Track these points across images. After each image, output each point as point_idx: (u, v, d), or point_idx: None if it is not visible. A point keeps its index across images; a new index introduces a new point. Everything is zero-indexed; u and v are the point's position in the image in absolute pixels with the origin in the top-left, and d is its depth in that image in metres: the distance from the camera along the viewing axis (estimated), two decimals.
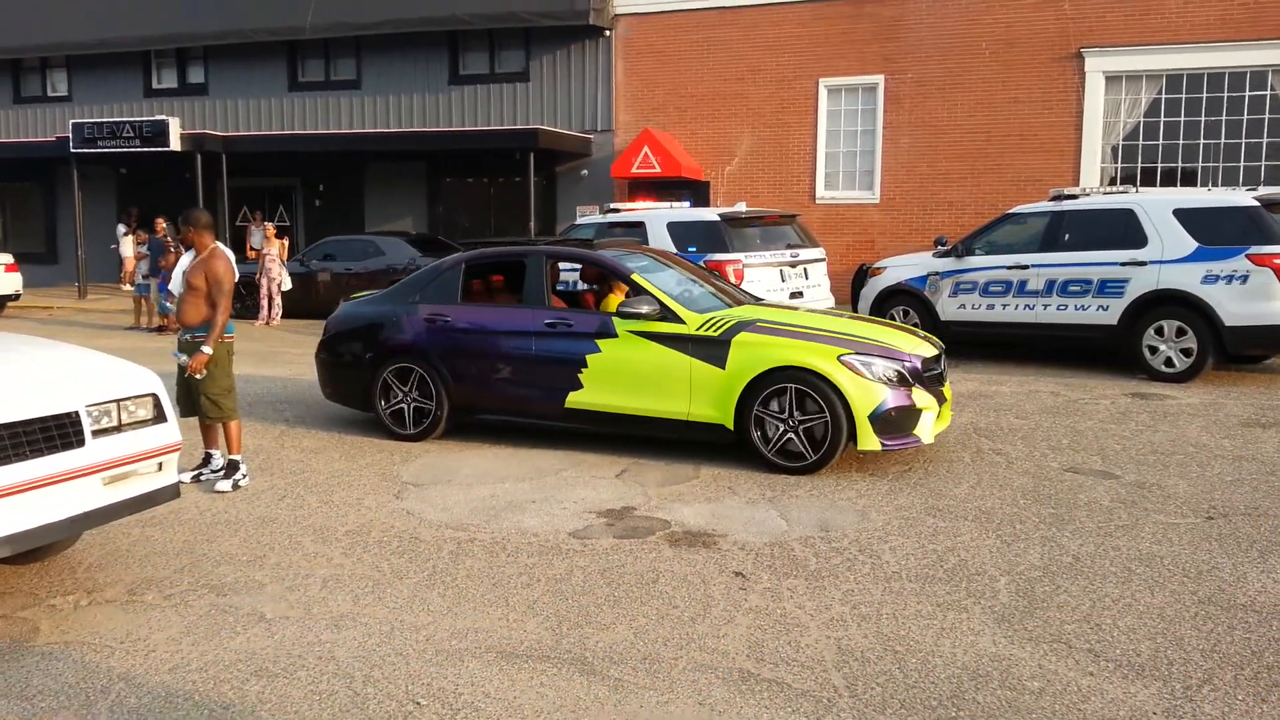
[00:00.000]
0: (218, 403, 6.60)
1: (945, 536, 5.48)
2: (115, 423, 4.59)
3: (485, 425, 7.80)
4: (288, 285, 16.56)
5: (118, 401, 4.62)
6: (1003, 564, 5.05)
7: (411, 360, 7.79)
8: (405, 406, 7.82)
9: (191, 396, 6.67)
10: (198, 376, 6.49)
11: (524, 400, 7.52)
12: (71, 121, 20.35)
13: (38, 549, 4.88)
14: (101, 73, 23.12)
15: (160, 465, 4.80)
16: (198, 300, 6.58)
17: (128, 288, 20.25)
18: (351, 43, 21.07)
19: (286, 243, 17.31)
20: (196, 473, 6.80)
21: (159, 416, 4.82)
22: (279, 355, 12.84)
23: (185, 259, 6.82)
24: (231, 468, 6.67)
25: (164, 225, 15.73)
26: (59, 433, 4.31)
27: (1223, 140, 15.97)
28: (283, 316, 16.63)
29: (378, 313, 8.11)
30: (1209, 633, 4.21)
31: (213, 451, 6.90)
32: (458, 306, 7.84)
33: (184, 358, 6.54)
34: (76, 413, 4.40)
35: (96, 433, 4.47)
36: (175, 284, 6.83)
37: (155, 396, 4.82)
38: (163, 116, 20.14)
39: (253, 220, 21.03)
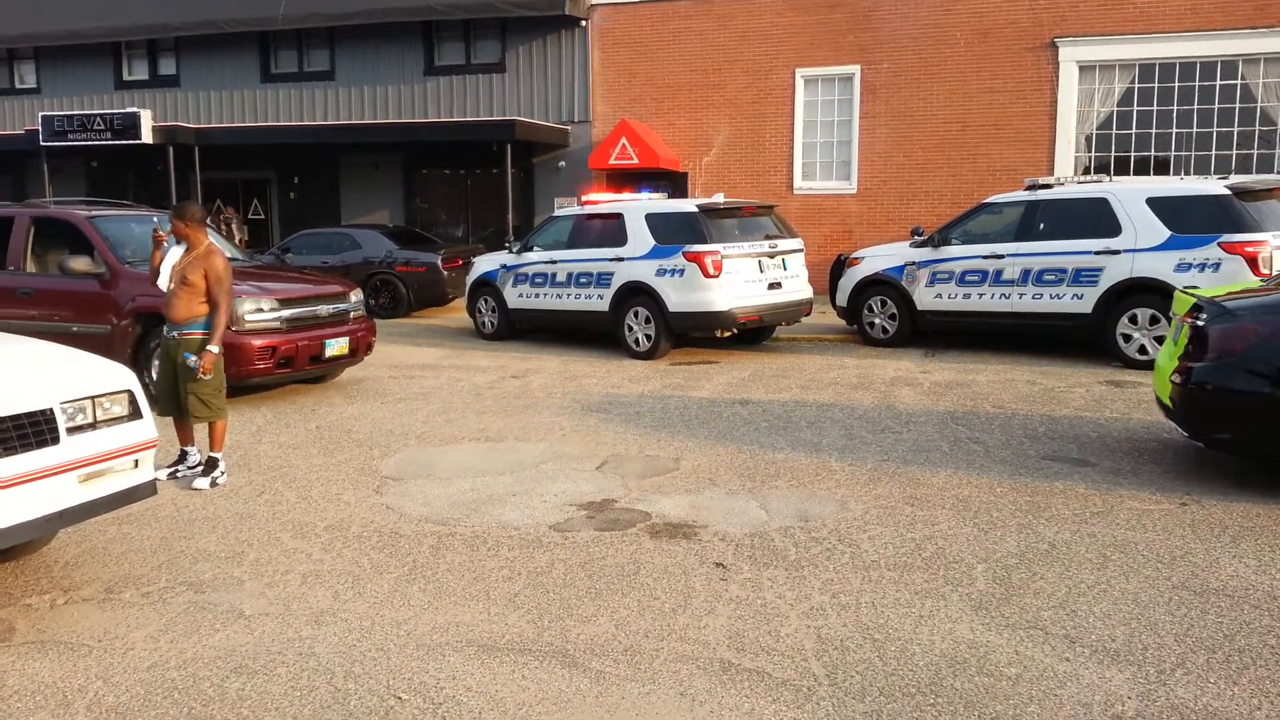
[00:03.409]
0: (207, 402, 6.52)
1: (923, 525, 5.53)
2: (90, 419, 4.55)
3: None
4: None
5: (92, 398, 4.58)
6: (980, 552, 5.10)
7: None
8: None
9: (177, 395, 6.59)
10: (206, 377, 6.40)
11: None
12: (41, 114, 20.08)
13: (13, 548, 4.83)
14: (71, 64, 22.81)
15: (136, 462, 4.76)
16: (191, 297, 6.46)
17: None
18: (325, 33, 20.88)
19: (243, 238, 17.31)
20: (172, 470, 6.74)
21: (134, 413, 4.78)
22: None
23: (174, 253, 6.63)
24: (210, 465, 6.61)
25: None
26: (33, 430, 4.27)
27: (1195, 129, 16.11)
28: None
29: None
30: (1182, 617, 4.27)
31: (188, 449, 6.84)
32: None
33: (194, 359, 6.39)
34: (51, 410, 4.36)
35: (71, 430, 4.43)
36: (163, 279, 6.64)
37: (130, 393, 4.78)
38: (134, 109, 19.89)
39: (222, 212, 20.86)
